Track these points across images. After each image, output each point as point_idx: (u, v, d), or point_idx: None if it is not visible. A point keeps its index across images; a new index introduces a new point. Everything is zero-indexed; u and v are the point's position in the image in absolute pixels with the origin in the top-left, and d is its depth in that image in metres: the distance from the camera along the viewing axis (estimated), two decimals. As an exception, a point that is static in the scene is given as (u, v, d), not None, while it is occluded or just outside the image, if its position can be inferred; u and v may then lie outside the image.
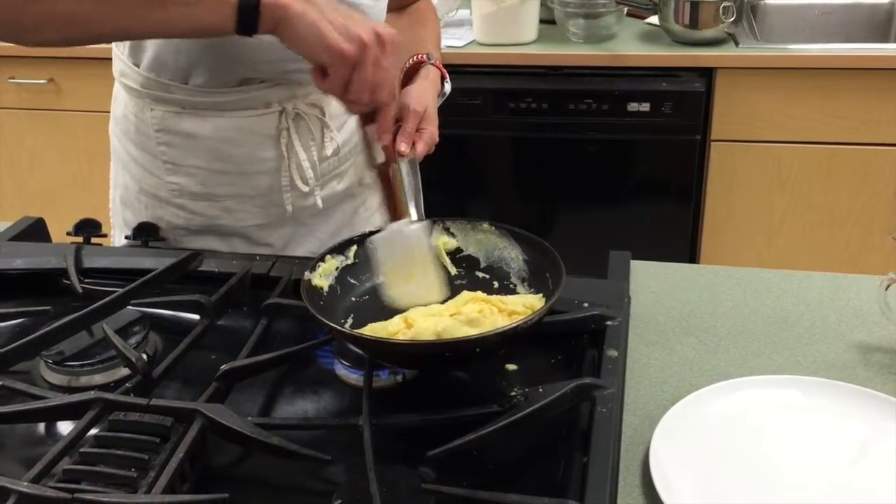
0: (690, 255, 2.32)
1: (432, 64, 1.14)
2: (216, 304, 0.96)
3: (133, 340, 0.92)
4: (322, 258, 0.94)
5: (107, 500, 0.68)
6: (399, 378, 0.88)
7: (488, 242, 1.00)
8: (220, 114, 1.12)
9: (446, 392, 0.89)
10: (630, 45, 2.23)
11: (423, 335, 0.84)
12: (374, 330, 0.86)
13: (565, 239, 2.34)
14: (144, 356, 0.88)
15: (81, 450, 0.73)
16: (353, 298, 0.95)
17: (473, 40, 2.29)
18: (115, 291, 0.97)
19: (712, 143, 2.20)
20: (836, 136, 2.14)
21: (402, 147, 1.00)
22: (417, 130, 1.03)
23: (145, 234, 1.16)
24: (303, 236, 1.22)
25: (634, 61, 2.17)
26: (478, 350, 0.82)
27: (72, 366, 0.90)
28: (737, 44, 2.16)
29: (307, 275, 0.91)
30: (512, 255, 0.98)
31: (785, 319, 1.03)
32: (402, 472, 0.74)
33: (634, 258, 1.09)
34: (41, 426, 0.86)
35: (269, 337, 0.95)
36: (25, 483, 0.69)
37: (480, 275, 0.99)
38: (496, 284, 0.98)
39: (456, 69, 2.27)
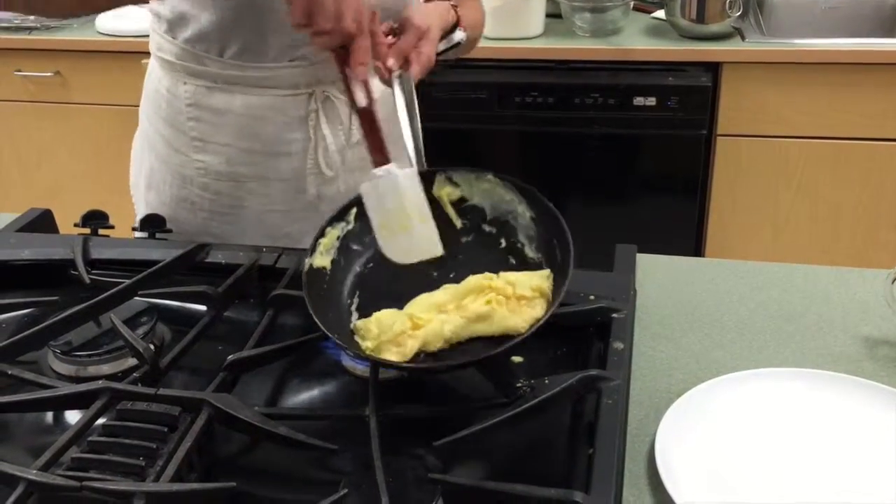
0: (696, 249, 2.32)
1: (452, 4, 1.10)
2: (223, 295, 0.96)
3: (141, 331, 0.92)
4: (322, 233, 0.89)
5: (115, 487, 0.68)
6: (405, 369, 0.89)
7: (494, 193, 0.93)
8: (251, 90, 1.12)
9: (452, 383, 0.89)
10: (636, 39, 2.23)
11: (431, 341, 0.83)
12: (380, 325, 0.83)
13: (571, 232, 2.34)
14: (152, 346, 0.89)
15: (90, 439, 0.74)
16: (358, 268, 0.90)
17: (480, 34, 2.29)
18: (122, 282, 0.97)
19: (718, 138, 2.20)
20: (843, 130, 2.14)
21: (390, 62, 0.96)
22: (415, 48, 0.99)
23: (152, 225, 1.17)
24: None
25: (641, 55, 2.17)
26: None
27: (80, 356, 0.90)
28: (743, 38, 2.15)
29: (306, 262, 0.86)
30: (519, 210, 0.92)
31: (791, 313, 1.03)
32: (409, 462, 0.75)
33: (640, 252, 1.08)
34: (49, 415, 0.86)
35: (276, 328, 0.95)
36: (34, 471, 0.70)
37: (487, 228, 0.93)
38: (503, 242, 0.92)
39: (462, 63, 2.28)
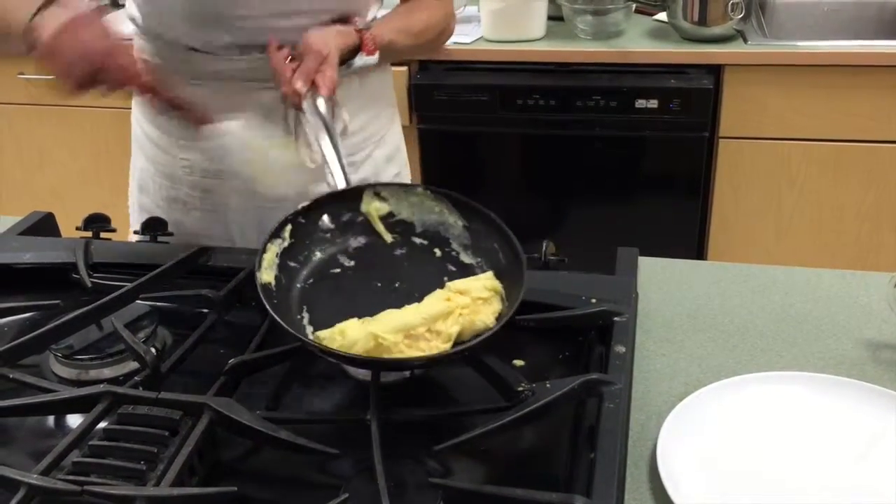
0: (698, 251, 2.32)
1: (355, 28, 1.11)
2: (224, 299, 0.97)
3: (142, 334, 0.92)
4: (264, 248, 0.88)
5: (116, 492, 0.68)
6: (407, 373, 0.89)
7: (423, 206, 0.96)
8: (227, 84, 1.14)
9: (453, 387, 0.89)
10: (638, 41, 2.23)
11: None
12: (344, 337, 0.82)
13: (573, 235, 2.35)
14: (153, 350, 0.89)
15: (91, 443, 0.74)
16: (299, 285, 0.89)
17: (481, 37, 2.29)
18: (124, 286, 0.97)
19: (720, 140, 2.20)
20: (845, 133, 2.13)
21: (298, 85, 0.99)
22: (318, 72, 1.02)
23: (154, 229, 1.17)
24: None
25: (643, 58, 2.16)
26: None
27: (81, 359, 0.91)
28: (745, 40, 2.15)
29: (257, 274, 0.85)
30: (450, 221, 0.95)
31: (793, 316, 1.03)
32: (410, 466, 0.75)
33: (642, 254, 1.08)
34: (50, 419, 0.86)
35: (277, 331, 0.95)
36: (35, 475, 0.70)
37: (418, 241, 0.95)
38: (438, 252, 0.94)
39: (464, 65, 2.29)
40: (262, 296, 0.83)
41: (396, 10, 1.24)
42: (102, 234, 1.15)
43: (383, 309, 0.85)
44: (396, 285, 0.91)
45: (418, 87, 2.24)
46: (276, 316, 0.81)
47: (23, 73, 2.52)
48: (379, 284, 0.91)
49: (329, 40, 1.06)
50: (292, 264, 0.90)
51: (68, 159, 2.64)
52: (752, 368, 0.93)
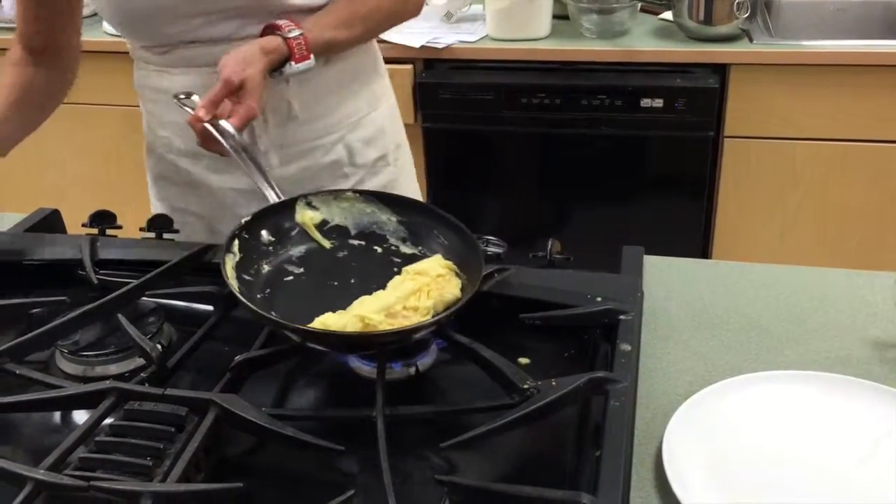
0: (703, 251, 2.32)
1: (282, 37, 1.09)
2: (230, 296, 0.96)
3: (148, 331, 0.93)
4: (223, 262, 0.88)
5: (122, 487, 0.68)
6: (412, 370, 0.89)
7: (354, 209, 0.99)
8: (184, 70, 1.17)
9: (459, 384, 0.89)
10: (643, 40, 2.23)
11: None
12: (327, 327, 0.84)
13: (578, 234, 2.34)
14: (159, 346, 0.89)
15: (97, 438, 0.74)
16: (259, 296, 0.90)
17: (486, 35, 2.29)
18: (130, 283, 0.97)
19: (725, 140, 2.20)
20: (850, 132, 2.13)
21: (201, 112, 1.00)
22: (236, 104, 1.02)
23: (159, 226, 1.17)
24: None
25: (648, 57, 2.16)
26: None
27: (87, 356, 0.91)
28: (751, 40, 2.15)
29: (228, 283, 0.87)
30: (383, 219, 0.98)
31: (798, 315, 1.03)
32: (416, 463, 0.75)
33: (647, 253, 1.08)
34: (57, 415, 0.87)
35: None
36: (42, 471, 0.70)
37: (355, 242, 0.98)
38: (378, 249, 0.97)
39: (469, 64, 2.29)
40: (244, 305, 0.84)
41: (339, 9, 1.17)
42: (108, 231, 1.15)
43: (350, 302, 0.87)
44: (353, 281, 0.93)
45: (423, 85, 2.24)
46: (263, 312, 0.83)
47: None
48: (336, 283, 0.93)
49: (246, 65, 1.04)
50: (247, 277, 0.91)
51: (73, 157, 2.65)
52: (757, 367, 0.93)
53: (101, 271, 1.05)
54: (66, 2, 1.17)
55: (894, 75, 2.05)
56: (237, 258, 0.91)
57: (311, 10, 1.16)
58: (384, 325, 0.83)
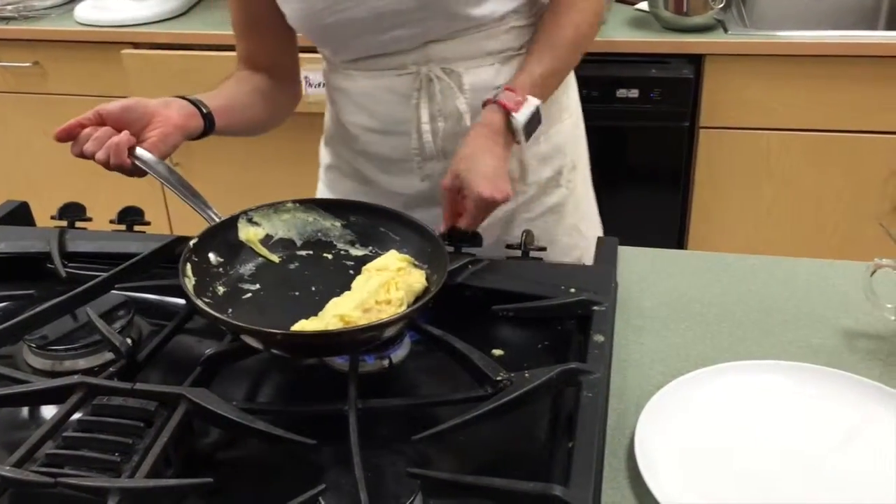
0: (678, 241, 2.33)
1: (495, 102, 1.08)
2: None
3: (117, 325, 0.92)
4: (185, 287, 0.87)
5: (90, 484, 0.68)
6: (385, 363, 0.88)
7: (295, 220, 0.99)
8: (367, 74, 1.16)
9: (432, 377, 0.89)
10: (619, 31, 2.22)
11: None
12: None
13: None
14: (129, 340, 0.88)
15: (65, 434, 0.73)
16: (226, 316, 0.86)
17: (462, 25, 2.27)
18: (99, 275, 0.96)
19: (701, 130, 2.20)
20: (825, 123, 2.14)
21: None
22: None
23: (130, 217, 1.15)
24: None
25: (623, 47, 2.16)
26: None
27: (55, 350, 0.90)
28: (726, 30, 2.15)
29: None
30: (326, 225, 0.98)
31: (772, 305, 1.03)
32: (388, 456, 0.74)
33: (622, 244, 1.08)
34: (24, 410, 0.86)
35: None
36: (8, 467, 0.69)
37: (303, 253, 0.98)
38: (329, 256, 0.97)
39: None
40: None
41: (539, 41, 1.18)
42: (78, 224, 1.13)
43: (318, 308, 0.86)
44: (313, 289, 0.92)
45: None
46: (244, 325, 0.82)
47: (-1, 61, 2.49)
48: (297, 293, 0.92)
49: (462, 161, 1.04)
50: (206, 300, 0.88)
51: (44, 148, 2.61)
52: (730, 357, 0.93)
53: (70, 264, 1.04)
54: (286, 26, 1.17)
55: (868, 66, 2.06)
56: (193, 282, 0.89)
57: (496, 20, 1.13)
58: (363, 320, 0.83)
